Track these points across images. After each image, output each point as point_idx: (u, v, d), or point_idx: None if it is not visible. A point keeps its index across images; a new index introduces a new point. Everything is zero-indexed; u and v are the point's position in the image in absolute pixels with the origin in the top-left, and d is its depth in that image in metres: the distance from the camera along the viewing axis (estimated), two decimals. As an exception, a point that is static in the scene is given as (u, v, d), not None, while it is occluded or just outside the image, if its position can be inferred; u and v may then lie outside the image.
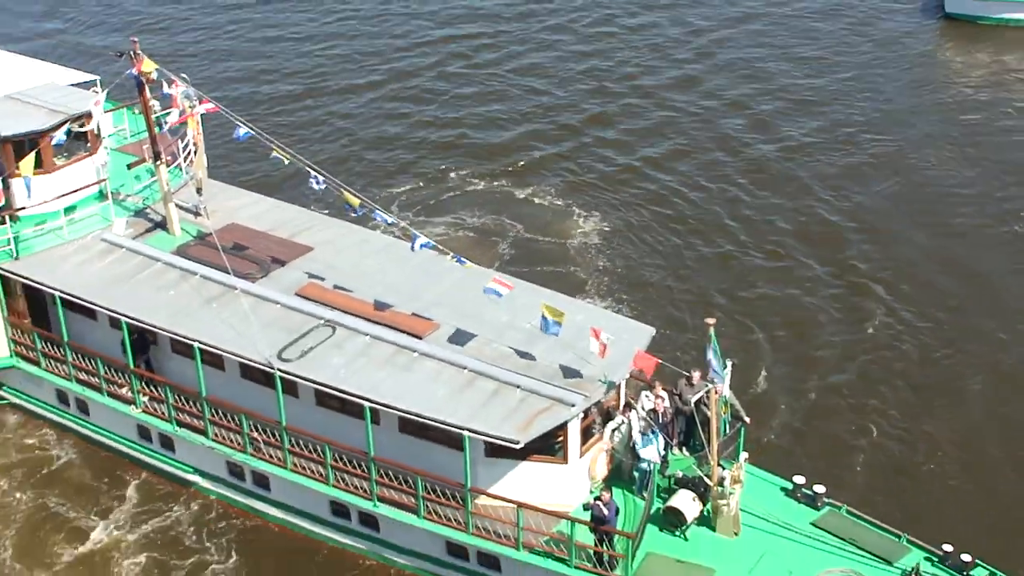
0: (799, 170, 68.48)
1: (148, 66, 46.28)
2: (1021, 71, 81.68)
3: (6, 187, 47.84)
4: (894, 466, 47.48)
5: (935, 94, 78.61)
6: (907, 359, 53.02)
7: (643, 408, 41.05)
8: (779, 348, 53.66)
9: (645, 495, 39.87)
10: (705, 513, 39.83)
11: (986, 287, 58.24)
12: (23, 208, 47.97)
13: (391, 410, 39.25)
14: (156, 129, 48.45)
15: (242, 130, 45.94)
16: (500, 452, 38.45)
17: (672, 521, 39.61)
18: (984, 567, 37.75)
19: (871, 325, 55.41)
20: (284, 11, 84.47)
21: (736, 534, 39.69)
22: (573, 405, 38.33)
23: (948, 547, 38.12)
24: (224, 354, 42.57)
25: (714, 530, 39.79)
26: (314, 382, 40.61)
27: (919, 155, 70.21)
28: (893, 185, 67.04)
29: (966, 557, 37.69)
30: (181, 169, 50.89)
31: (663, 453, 40.86)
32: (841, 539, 39.58)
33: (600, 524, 37.97)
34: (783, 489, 41.68)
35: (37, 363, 48.39)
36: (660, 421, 41.00)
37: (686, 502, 39.46)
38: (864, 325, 55.47)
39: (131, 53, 46.35)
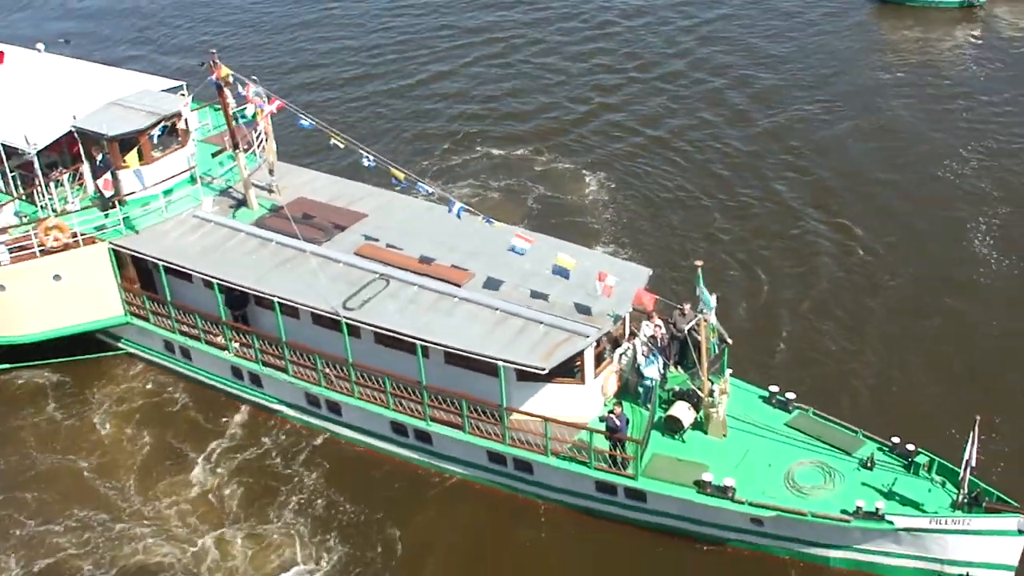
0: (757, 133, 68.01)
1: (224, 72, 46.52)
2: (942, 44, 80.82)
3: (115, 178, 47.56)
4: (851, 375, 47.19)
5: (873, 67, 77.62)
6: (859, 288, 52.88)
7: (644, 335, 41.03)
8: (754, 281, 53.49)
9: (649, 407, 39.81)
10: (698, 419, 39.95)
11: (913, 216, 58.52)
12: (130, 193, 47.88)
13: (438, 346, 39.60)
14: (234, 123, 48.42)
15: (304, 121, 46.14)
16: (529, 377, 38.58)
17: (671, 427, 39.68)
18: (925, 454, 37.69)
19: (830, 259, 55.23)
20: (333, 28, 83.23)
21: (724, 436, 39.81)
22: (587, 336, 38.73)
23: (896, 439, 38.22)
24: (298, 306, 42.75)
25: (706, 433, 39.89)
26: (374, 326, 40.82)
27: (865, 117, 69.50)
28: (846, 140, 66.69)
29: (910, 446, 37.76)
30: (256, 155, 50.73)
31: (662, 372, 40.94)
32: (809, 436, 39.60)
33: (614, 433, 38.27)
34: (760, 397, 41.60)
35: (147, 319, 48.39)
36: (659, 345, 41.05)
37: (683, 411, 39.63)
38: (821, 259, 55.24)
39: (211, 62, 46.61)
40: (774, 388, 41.44)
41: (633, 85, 74.26)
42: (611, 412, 38.47)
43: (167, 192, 48.85)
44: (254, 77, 48.46)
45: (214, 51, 47.39)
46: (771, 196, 60.62)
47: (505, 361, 38.15)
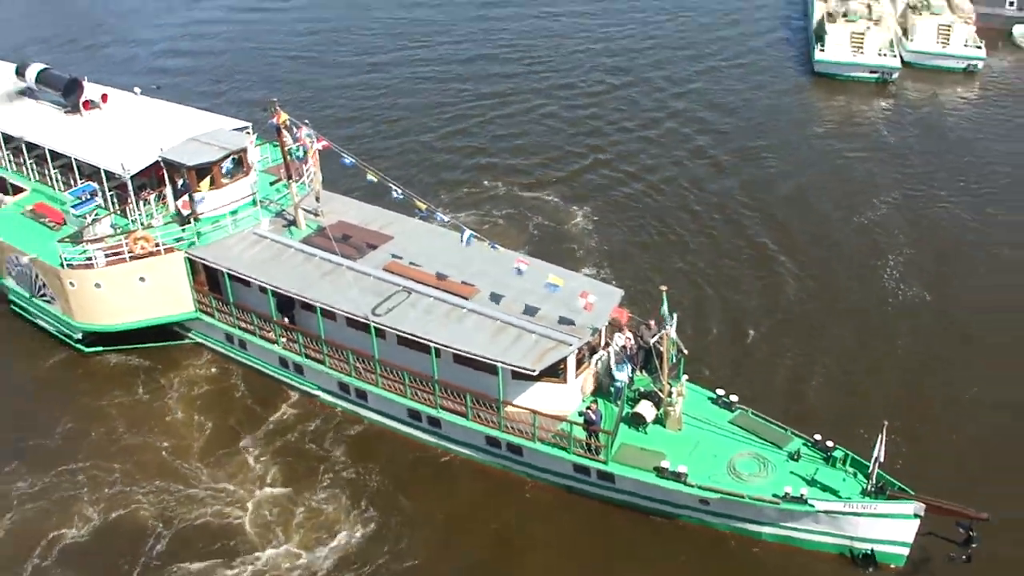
0: (718, 180, 67.54)
1: (283, 117, 46.69)
2: (865, 110, 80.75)
3: (191, 199, 47.76)
4: (783, 382, 47.37)
5: (805, 127, 77.32)
6: (792, 311, 52.90)
7: (617, 345, 41.30)
8: (707, 301, 53.34)
9: (618, 404, 40.09)
10: (659, 415, 40.00)
11: (838, 250, 58.39)
12: (203, 213, 47.99)
13: (449, 348, 39.84)
14: (288, 158, 48.53)
15: (346, 159, 46.01)
16: (521, 376, 38.75)
17: (636, 421, 39.78)
18: (841, 449, 38.01)
19: (769, 283, 55.28)
20: (373, 89, 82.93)
21: (679, 430, 39.85)
22: (570, 344, 39.14)
23: (818, 436, 38.51)
24: (335, 310, 42.83)
25: (665, 427, 39.92)
26: (397, 330, 41.01)
27: (797, 170, 69.06)
28: (784, 188, 66.45)
29: (829, 443, 38.13)
30: (305, 184, 50.45)
31: (630, 375, 41.11)
32: (748, 432, 39.74)
33: (590, 425, 38.52)
34: (709, 398, 41.62)
35: (212, 315, 48.34)
36: (628, 354, 41.26)
37: (646, 408, 39.81)
38: (764, 285, 55.20)
39: (273, 109, 46.74)
40: (720, 391, 41.53)
41: (620, 137, 73.84)
42: (588, 408, 38.78)
43: (233, 212, 48.82)
44: (306, 121, 48.91)
45: (275, 100, 47.61)
46: (728, 229, 60.58)
47: (503, 363, 38.51)
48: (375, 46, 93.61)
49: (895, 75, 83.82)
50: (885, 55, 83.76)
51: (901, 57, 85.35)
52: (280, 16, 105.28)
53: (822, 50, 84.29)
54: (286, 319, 45.78)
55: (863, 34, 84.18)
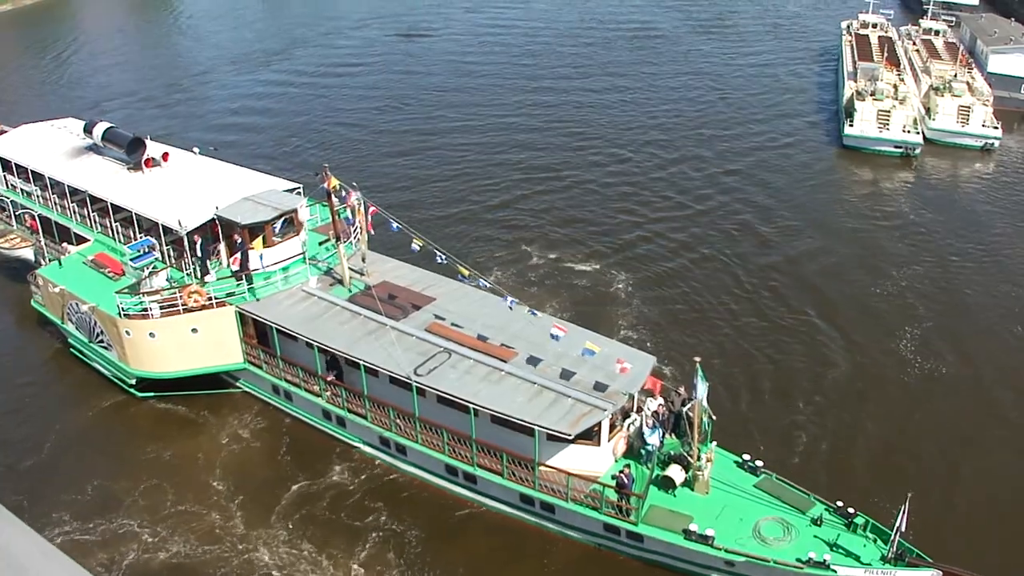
0: (757, 251, 67.01)
1: (334, 183, 46.75)
2: (889, 182, 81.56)
3: (244, 256, 47.65)
4: (807, 448, 46.64)
5: (835, 198, 77.83)
6: (819, 381, 52.15)
7: (649, 409, 40.98)
8: (736, 369, 52.74)
9: (649, 467, 39.69)
10: (687, 479, 39.56)
11: (867, 323, 57.53)
12: (255, 269, 48.00)
13: (487, 410, 39.38)
14: (337, 219, 48.58)
15: (394, 224, 46.40)
16: (557, 438, 38.45)
17: (666, 484, 39.38)
18: (862, 516, 37.70)
19: (798, 353, 54.76)
20: (424, 157, 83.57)
21: (707, 493, 39.40)
22: (605, 410, 38.72)
23: (840, 503, 38.12)
24: (379, 369, 42.53)
25: (693, 490, 39.47)
26: (438, 390, 40.66)
27: (829, 243, 68.67)
28: (820, 260, 65.88)
29: (851, 509, 37.79)
30: (352, 244, 50.54)
31: (661, 440, 40.56)
32: (772, 496, 39.20)
33: (621, 488, 38.26)
34: (735, 462, 41.15)
35: (260, 367, 48.49)
36: (660, 418, 40.92)
37: (676, 472, 39.45)
38: (791, 352, 54.75)
39: (323, 174, 46.81)
40: (747, 456, 41.05)
41: (663, 209, 73.53)
42: (621, 472, 38.61)
43: (283, 269, 48.93)
44: (354, 183, 49.16)
45: (326, 165, 47.77)
46: (757, 303, 59.82)
47: (540, 426, 38.06)
48: (428, 115, 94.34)
49: (918, 151, 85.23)
50: (909, 132, 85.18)
51: (924, 134, 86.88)
52: (338, 81, 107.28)
53: (851, 126, 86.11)
54: (333, 374, 45.50)
55: (889, 112, 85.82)
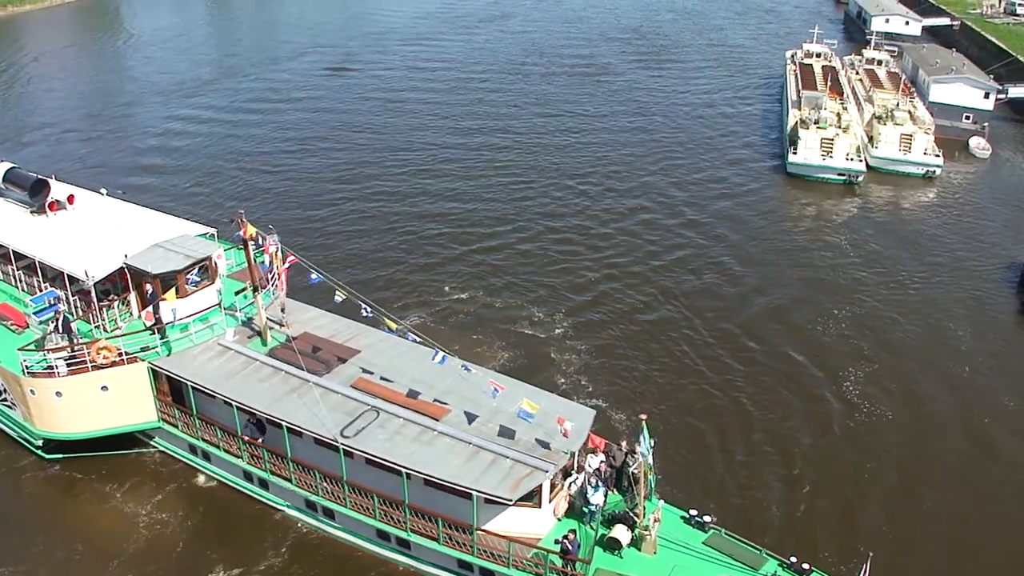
0: (696, 290, 66.72)
1: (251, 231, 45.21)
2: (832, 210, 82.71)
3: (156, 309, 46.30)
4: (757, 502, 45.96)
5: (780, 228, 78.37)
6: (765, 432, 51.46)
7: (590, 467, 39.95)
8: (678, 420, 51.78)
9: (593, 526, 38.84)
10: (634, 538, 38.30)
11: (814, 366, 57.35)
12: (168, 323, 46.23)
13: (420, 474, 38.08)
14: (254, 268, 46.76)
15: (314, 275, 45.10)
16: (496, 502, 37.13)
17: (612, 546, 38.07)
18: (817, 571, 37.07)
19: (750, 402, 53.93)
20: (353, 191, 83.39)
21: (655, 553, 38.17)
22: (546, 471, 37.74)
23: (793, 558, 37.34)
24: (303, 431, 41.05)
25: (640, 550, 38.17)
26: (367, 453, 39.25)
27: (772, 277, 69.05)
28: (766, 297, 65.96)
29: (805, 565, 37.06)
30: (270, 292, 49.39)
31: (605, 498, 39.52)
32: (723, 553, 38.24)
33: (566, 554, 37.33)
34: (683, 518, 40.04)
35: (176, 426, 46.83)
36: (602, 476, 39.81)
37: (622, 533, 38.29)
38: (736, 403, 53.94)
39: (239, 220, 45.20)
40: (694, 511, 39.99)
41: (596, 252, 72.67)
42: (565, 537, 37.58)
43: (197, 321, 47.33)
44: (271, 226, 48.35)
45: (242, 212, 46.22)
46: (696, 348, 59.03)
47: (478, 491, 36.87)
48: (354, 156, 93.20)
49: (861, 178, 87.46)
50: (852, 160, 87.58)
51: (867, 162, 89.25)
52: (261, 118, 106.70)
53: (795, 153, 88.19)
54: (255, 434, 43.98)
55: (832, 140, 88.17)
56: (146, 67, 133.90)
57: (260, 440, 43.76)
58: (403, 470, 38.29)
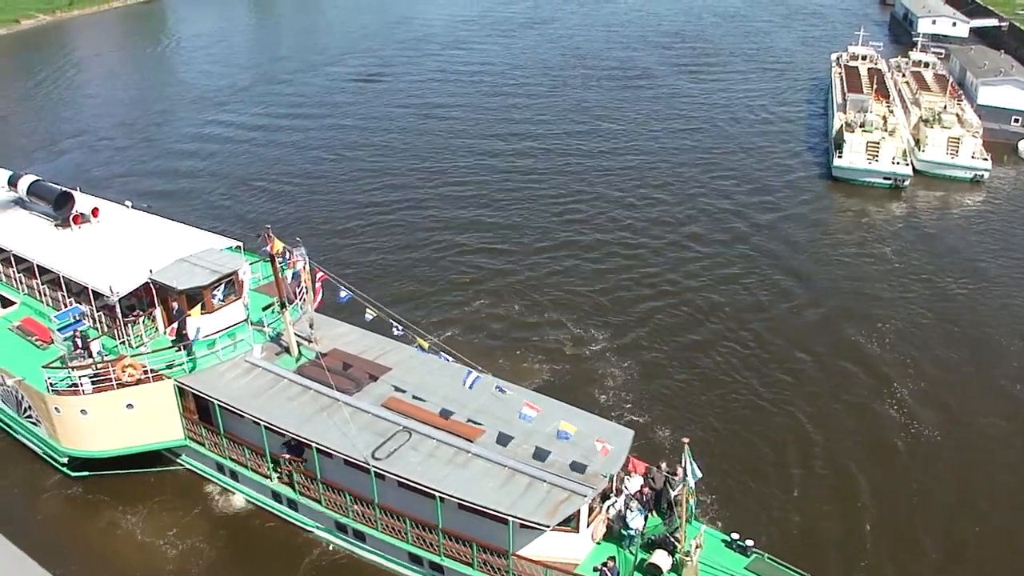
0: (735, 310, 64.59)
1: (278, 246, 44.59)
2: (879, 215, 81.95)
3: (181, 325, 45.82)
4: (802, 525, 44.74)
5: (825, 233, 77.52)
6: (807, 452, 50.12)
7: (630, 489, 39.16)
8: (723, 441, 50.53)
9: (632, 551, 37.98)
10: (674, 563, 37.44)
11: (871, 385, 55.81)
12: (193, 339, 45.82)
13: (454, 499, 37.23)
14: (281, 282, 46.35)
15: (344, 293, 44.60)
16: (532, 527, 36.27)
17: (652, 572, 37.26)
18: None
19: (796, 419, 52.64)
20: (387, 202, 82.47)
21: None
22: (584, 496, 36.85)
23: None
24: (333, 452, 40.25)
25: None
26: (398, 476, 38.50)
27: (816, 285, 68.03)
28: (811, 308, 64.73)
29: None
30: (298, 307, 48.70)
31: (644, 521, 38.66)
32: None
33: None
34: (724, 541, 39.33)
35: (202, 444, 46.45)
36: (642, 499, 39.01)
37: (662, 558, 37.53)
38: (787, 419, 52.73)
39: (266, 235, 44.54)
40: (735, 535, 39.17)
41: (636, 259, 71.86)
42: (605, 564, 36.80)
43: (224, 337, 46.83)
44: (298, 239, 47.75)
45: (268, 227, 45.57)
46: (740, 359, 57.97)
47: (515, 517, 36.03)
48: (389, 166, 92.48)
49: (907, 182, 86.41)
50: (898, 163, 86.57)
51: (913, 166, 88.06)
52: (293, 124, 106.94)
53: (840, 157, 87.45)
54: (290, 453, 43.22)
55: (878, 143, 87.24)
56: (184, 73, 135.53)
57: (302, 459, 42.97)
58: (436, 494, 37.48)
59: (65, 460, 47.55)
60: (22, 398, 47.98)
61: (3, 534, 43.93)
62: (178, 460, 48.50)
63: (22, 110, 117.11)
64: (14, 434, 50.51)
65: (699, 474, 36.18)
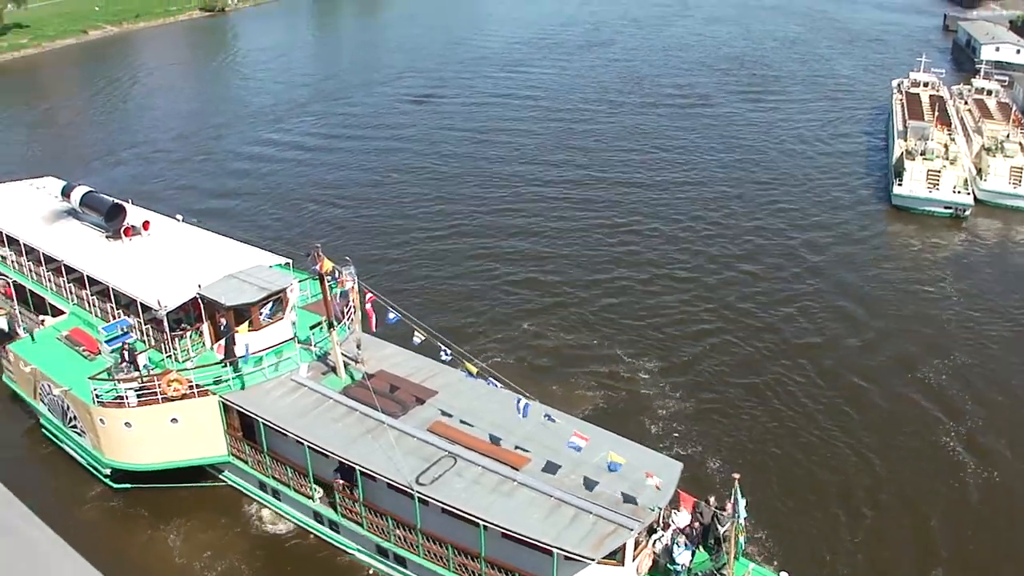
0: (789, 341, 63.41)
1: (327, 266, 44.36)
2: (941, 245, 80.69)
3: (228, 342, 45.83)
4: (857, 568, 43.38)
5: (884, 261, 76.61)
6: (857, 488, 48.86)
7: (678, 523, 38.68)
8: (773, 474, 49.58)
9: None
10: (722, 600, 36.89)
11: (927, 423, 54.31)
12: (240, 356, 45.49)
13: (498, 528, 36.70)
14: (329, 301, 46.17)
15: (392, 315, 44.20)
16: (577, 560, 35.55)
17: None
18: None
19: (849, 456, 51.37)
20: (439, 230, 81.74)
21: None
22: (631, 529, 36.20)
23: None
24: (377, 476, 39.98)
25: None
26: (443, 503, 38.03)
27: (874, 318, 66.45)
28: (868, 344, 63.02)
29: None
30: (346, 327, 48.59)
31: (692, 557, 37.99)
32: None
33: None
34: (774, 581, 38.54)
35: (245, 462, 46.36)
36: (691, 533, 38.49)
37: None
38: (841, 455, 51.46)
39: (316, 254, 44.29)
40: (784, 574, 37.94)
41: (693, 283, 71.37)
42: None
43: (270, 354, 46.54)
44: (347, 258, 47.63)
45: (318, 246, 45.18)
46: (791, 394, 56.70)
47: (560, 549, 35.41)
48: (442, 187, 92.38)
49: (968, 211, 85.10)
50: (959, 192, 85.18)
51: (975, 195, 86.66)
52: (349, 144, 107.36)
53: (900, 185, 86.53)
54: (343, 481, 42.74)
55: (939, 172, 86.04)
56: (243, 87, 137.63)
57: (354, 484, 42.33)
58: (480, 522, 37.02)
59: (108, 472, 47.68)
60: (68, 408, 48.16)
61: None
62: (221, 476, 48.48)
63: (83, 119, 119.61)
64: (59, 443, 50.79)
65: (744, 514, 35.66)
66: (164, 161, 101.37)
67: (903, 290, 70.87)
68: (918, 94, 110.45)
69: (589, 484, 38.11)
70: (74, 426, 48.52)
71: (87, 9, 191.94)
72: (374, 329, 47.09)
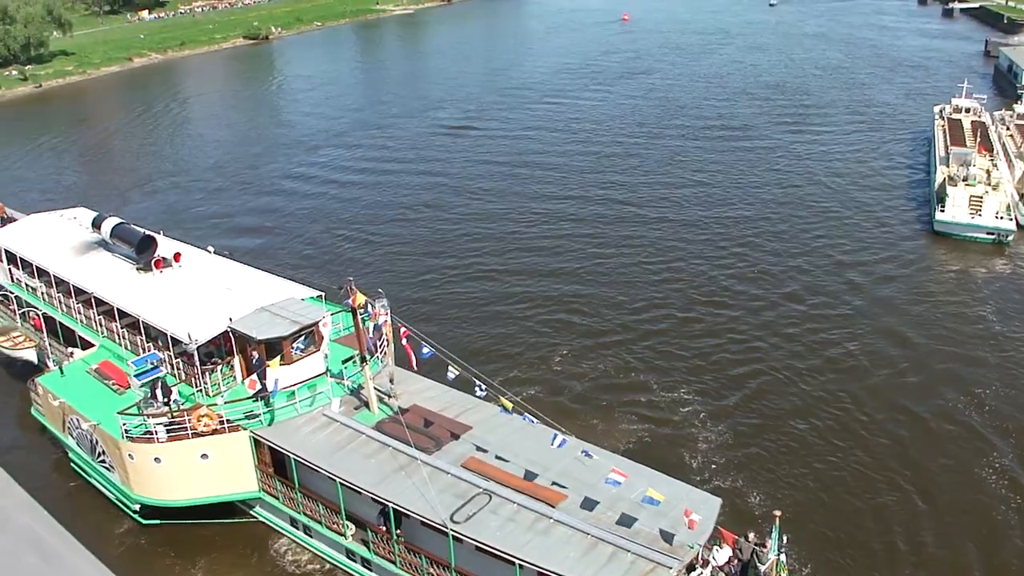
0: (833, 373, 62.21)
1: (360, 299, 44.18)
2: (981, 272, 79.62)
3: (260, 376, 45.43)
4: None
5: (926, 288, 75.57)
6: (895, 521, 48.01)
7: (717, 561, 37.86)
8: (817, 513, 48.51)
9: None
10: (764, 637, 36.34)
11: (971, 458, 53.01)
12: (271, 391, 45.21)
13: (534, 567, 36.03)
14: (362, 335, 45.92)
15: (426, 350, 44.33)
16: None
17: None
18: None
19: (891, 495, 50.25)
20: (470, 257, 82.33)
21: None
22: (670, 567, 35.42)
23: None
24: (411, 514, 39.52)
25: None
26: (477, 541, 37.48)
27: (914, 347, 65.61)
28: (909, 374, 61.93)
29: None
30: (379, 360, 48.36)
31: None
32: None
33: None
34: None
35: (277, 497, 46.08)
36: (730, 571, 37.87)
37: None
38: (884, 493, 50.32)
39: (348, 287, 44.10)
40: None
41: (735, 312, 70.71)
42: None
43: (302, 389, 46.43)
44: (380, 290, 47.95)
45: (351, 279, 45.02)
46: (835, 430, 55.52)
47: None
48: (475, 227, 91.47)
49: (1011, 237, 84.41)
50: (1002, 218, 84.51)
51: (1017, 221, 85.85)
52: (384, 179, 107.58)
53: (942, 211, 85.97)
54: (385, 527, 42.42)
55: (981, 198, 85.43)
56: (283, 115, 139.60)
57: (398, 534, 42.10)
58: (516, 561, 36.47)
59: (137, 507, 47.49)
60: (96, 442, 48.09)
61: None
62: (252, 512, 48.24)
63: (124, 147, 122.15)
64: (87, 477, 50.78)
65: (785, 551, 35.34)
66: (201, 191, 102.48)
67: (944, 319, 69.58)
68: (960, 120, 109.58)
69: (627, 521, 37.55)
70: (103, 461, 48.43)
71: (132, 37, 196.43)
72: (416, 369, 46.95)
